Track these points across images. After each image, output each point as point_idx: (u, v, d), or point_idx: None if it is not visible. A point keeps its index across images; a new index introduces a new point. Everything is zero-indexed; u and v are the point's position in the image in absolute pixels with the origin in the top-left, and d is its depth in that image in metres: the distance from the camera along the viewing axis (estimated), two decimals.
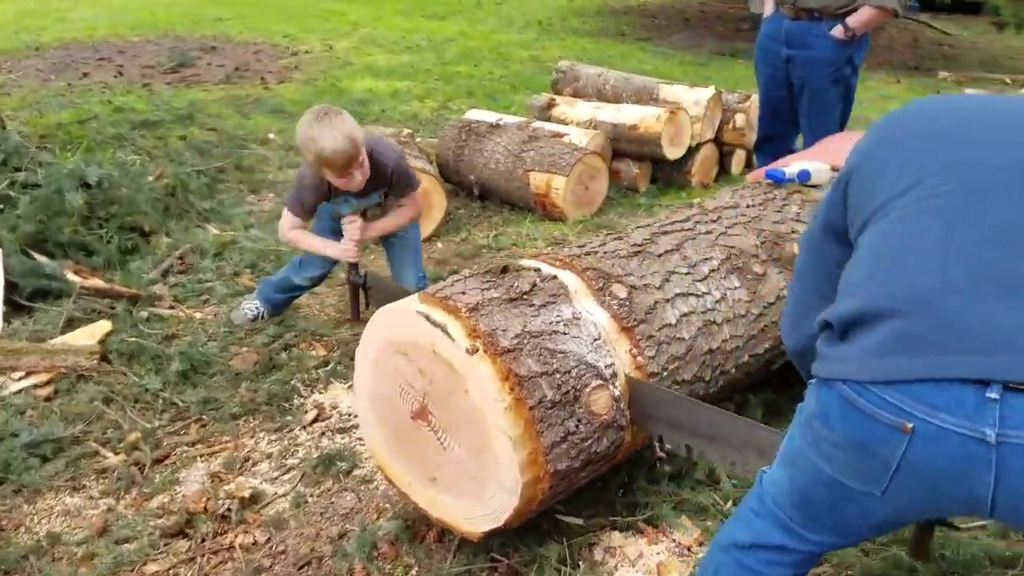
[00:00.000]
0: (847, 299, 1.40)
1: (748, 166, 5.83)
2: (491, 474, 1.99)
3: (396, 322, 2.09)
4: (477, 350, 1.92)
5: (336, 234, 3.18)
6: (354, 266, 3.16)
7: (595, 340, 2.11)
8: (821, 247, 1.73)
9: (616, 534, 2.34)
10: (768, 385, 2.86)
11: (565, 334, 2.06)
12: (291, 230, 3.13)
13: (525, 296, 2.09)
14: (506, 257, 4.30)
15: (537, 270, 2.19)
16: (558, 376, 1.99)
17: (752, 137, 5.41)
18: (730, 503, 2.42)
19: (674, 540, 2.32)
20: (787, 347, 1.94)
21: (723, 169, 5.73)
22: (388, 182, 3.08)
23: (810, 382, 1.49)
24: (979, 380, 1.19)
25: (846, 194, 1.61)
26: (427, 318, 1.99)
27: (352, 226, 3.08)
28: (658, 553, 2.27)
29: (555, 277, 2.19)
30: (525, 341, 1.98)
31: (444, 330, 1.96)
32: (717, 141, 5.58)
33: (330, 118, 2.73)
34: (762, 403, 2.84)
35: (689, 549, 2.29)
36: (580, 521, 2.37)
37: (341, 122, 2.73)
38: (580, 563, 2.21)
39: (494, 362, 1.92)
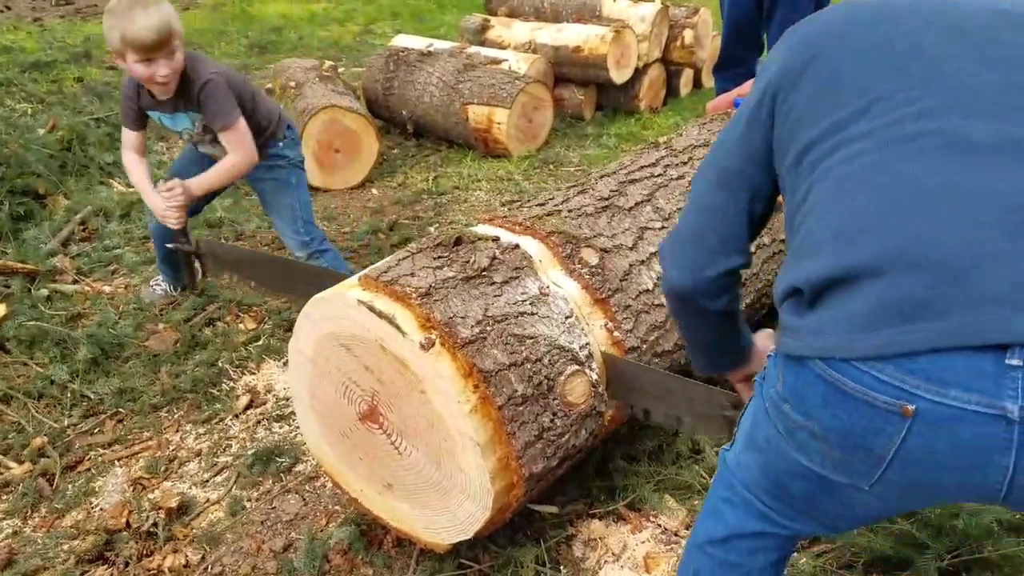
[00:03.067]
0: (816, 256, 1.11)
1: (696, 86, 5.54)
2: (456, 483, 1.72)
3: (334, 313, 1.77)
4: (433, 344, 1.62)
5: (194, 163, 2.92)
6: (181, 232, 2.83)
7: (567, 318, 1.83)
8: (738, 176, 1.37)
9: (596, 523, 2.11)
10: None
11: (533, 314, 1.78)
12: (127, 150, 2.89)
13: (484, 273, 1.78)
14: (449, 202, 3.98)
15: (495, 239, 1.88)
16: (528, 366, 1.71)
17: (701, 55, 5.10)
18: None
19: (659, 525, 2.10)
20: (671, 287, 1.46)
21: (670, 90, 5.41)
22: (196, 103, 2.69)
23: (769, 354, 1.24)
24: (996, 345, 0.96)
25: (773, 113, 1.30)
26: (370, 308, 1.67)
27: (171, 192, 2.75)
28: (643, 542, 2.06)
29: (516, 246, 1.88)
30: (488, 328, 1.69)
31: (392, 322, 1.65)
32: (664, 60, 5.25)
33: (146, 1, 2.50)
34: None
35: (676, 534, 2.08)
36: (555, 509, 2.13)
37: (158, 4, 2.51)
38: (560, 564, 1.98)
39: (454, 357, 1.63)
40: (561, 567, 1.97)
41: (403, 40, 5.34)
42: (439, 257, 1.80)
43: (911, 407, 0.99)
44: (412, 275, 1.73)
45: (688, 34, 5.14)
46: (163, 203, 2.76)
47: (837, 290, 1.07)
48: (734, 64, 4.26)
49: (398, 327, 1.64)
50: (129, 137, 2.86)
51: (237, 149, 2.74)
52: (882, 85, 1.14)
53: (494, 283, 1.77)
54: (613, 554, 2.02)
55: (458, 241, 1.85)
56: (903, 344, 0.99)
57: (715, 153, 1.41)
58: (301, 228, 3.00)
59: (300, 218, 3.00)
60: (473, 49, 4.95)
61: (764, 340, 1.59)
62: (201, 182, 2.80)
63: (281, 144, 2.94)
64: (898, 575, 1.86)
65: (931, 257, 1.00)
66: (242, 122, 2.71)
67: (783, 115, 1.27)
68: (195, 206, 3.04)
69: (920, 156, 1.07)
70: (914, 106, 1.10)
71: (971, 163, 1.04)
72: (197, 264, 2.93)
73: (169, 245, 2.89)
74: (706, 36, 5.30)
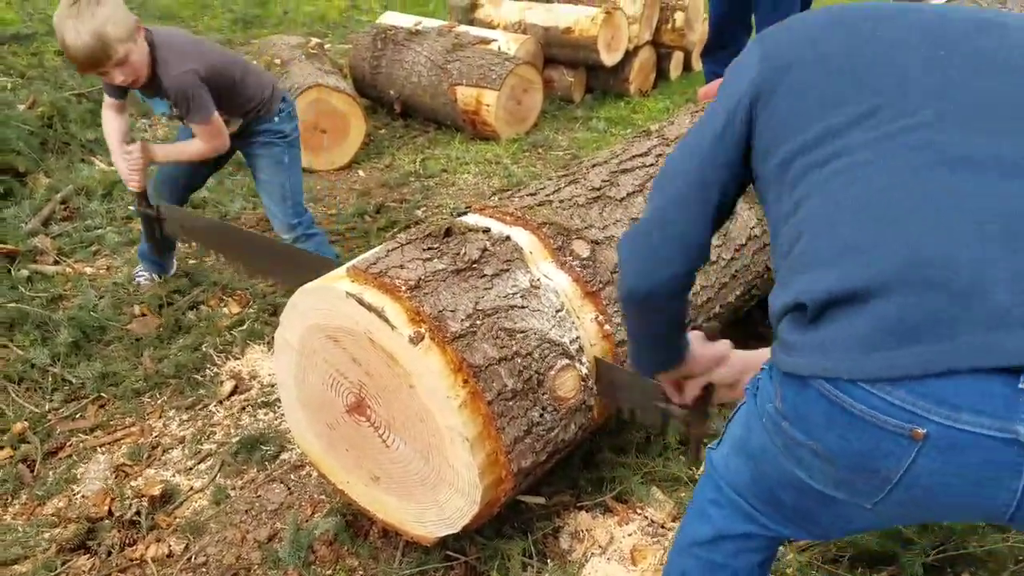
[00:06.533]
0: (819, 271, 1.07)
1: (687, 69, 5.50)
2: (444, 477, 1.70)
3: (322, 305, 1.74)
4: (422, 338, 1.60)
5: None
6: (141, 195, 2.81)
7: (557, 311, 1.81)
8: (708, 181, 1.31)
9: (583, 514, 2.10)
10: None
11: (524, 307, 1.75)
12: (106, 108, 2.81)
13: (475, 265, 1.76)
14: (436, 185, 3.94)
15: (486, 230, 1.85)
16: (519, 360, 1.69)
17: (692, 37, 5.06)
18: (703, 469, 2.21)
19: (646, 517, 2.10)
20: (629, 289, 1.38)
21: (660, 73, 5.37)
22: (169, 97, 2.62)
23: (763, 367, 1.21)
24: (1007, 368, 0.94)
25: (751, 118, 1.25)
26: (359, 300, 1.65)
27: (131, 156, 2.71)
28: (630, 534, 2.05)
29: (508, 238, 1.86)
30: (478, 322, 1.67)
31: (380, 315, 1.62)
32: (655, 43, 5.21)
33: (79, 8, 2.33)
34: None
35: (663, 526, 2.08)
36: (542, 501, 2.12)
37: (91, 15, 2.33)
38: (547, 556, 1.97)
39: (443, 351, 1.60)
40: (548, 559, 1.96)
41: (391, 17, 5.26)
42: (429, 248, 1.77)
43: (922, 431, 0.97)
44: (401, 267, 1.70)
45: (679, 16, 5.10)
46: (125, 164, 2.73)
47: (843, 307, 1.04)
48: (723, 47, 4.20)
49: (387, 320, 1.61)
50: (107, 101, 2.80)
51: (206, 141, 2.71)
52: (878, 94, 1.10)
53: (485, 276, 1.75)
54: (600, 546, 2.02)
55: (448, 232, 1.82)
56: (912, 366, 0.97)
57: (683, 156, 1.35)
58: (290, 209, 2.94)
59: (290, 199, 2.94)
60: (462, 28, 4.88)
61: (696, 341, 1.58)
62: (167, 150, 2.81)
63: (276, 120, 2.88)
64: (883, 570, 1.87)
65: (941, 276, 0.98)
66: (214, 118, 2.65)
67: (765, 119, 1.22)
68: (187, 185, 3.00)
69: (924, 172, 1.04)
70: (914, 117, 1.07)
71: (977, 181, 1.01)
72: (158, 231, 2.88)
73: (131, 207, 2.85)
74: (696, 19, 5.26)
